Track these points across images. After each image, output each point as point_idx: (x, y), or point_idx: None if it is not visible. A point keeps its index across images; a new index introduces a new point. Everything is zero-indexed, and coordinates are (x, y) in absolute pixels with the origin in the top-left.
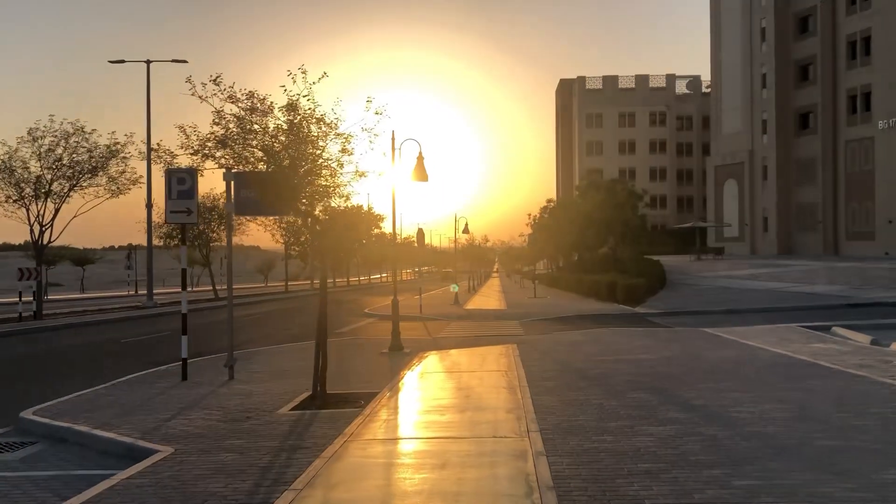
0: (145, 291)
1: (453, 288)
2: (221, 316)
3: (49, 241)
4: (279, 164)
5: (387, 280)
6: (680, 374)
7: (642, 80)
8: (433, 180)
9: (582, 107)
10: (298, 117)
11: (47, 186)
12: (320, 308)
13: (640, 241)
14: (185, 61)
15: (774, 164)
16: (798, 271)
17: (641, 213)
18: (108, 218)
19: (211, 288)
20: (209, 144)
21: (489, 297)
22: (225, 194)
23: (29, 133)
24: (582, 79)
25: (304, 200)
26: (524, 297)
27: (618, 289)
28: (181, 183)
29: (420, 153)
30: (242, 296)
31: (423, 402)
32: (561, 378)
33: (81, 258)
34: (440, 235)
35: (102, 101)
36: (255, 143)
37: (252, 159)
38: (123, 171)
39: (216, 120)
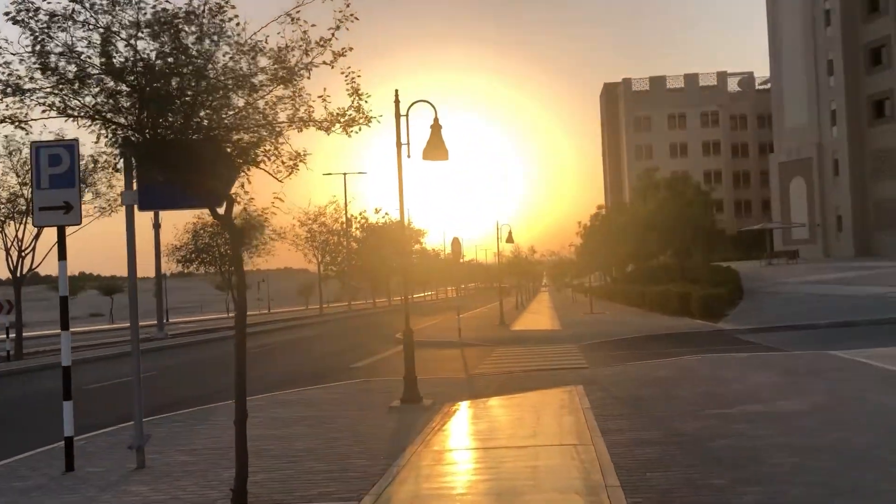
0: (175, 320)
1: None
2: (248, 344)
3: (30, 269)
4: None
5: (433, 299)
6: (873, 446)
7: (691, 79)
8: (475, 194)
9: (629, 110)
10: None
11: (27, 205)
12: (237, 364)
13: (713, 245)
14: None
15: (847, 158)
16: (894, 273)
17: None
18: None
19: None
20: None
21: (539, 315)
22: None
23: (5, 147)
24: (628, 81)
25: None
26: (579, 313)
27: (692, 301)
28: (55, 163)
29: (436, 121)
30: (266, 322)
31: None
32: (674, 462)
33: (110, 287)
34: (485, 250)
35: None
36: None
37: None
38: (112, 186)
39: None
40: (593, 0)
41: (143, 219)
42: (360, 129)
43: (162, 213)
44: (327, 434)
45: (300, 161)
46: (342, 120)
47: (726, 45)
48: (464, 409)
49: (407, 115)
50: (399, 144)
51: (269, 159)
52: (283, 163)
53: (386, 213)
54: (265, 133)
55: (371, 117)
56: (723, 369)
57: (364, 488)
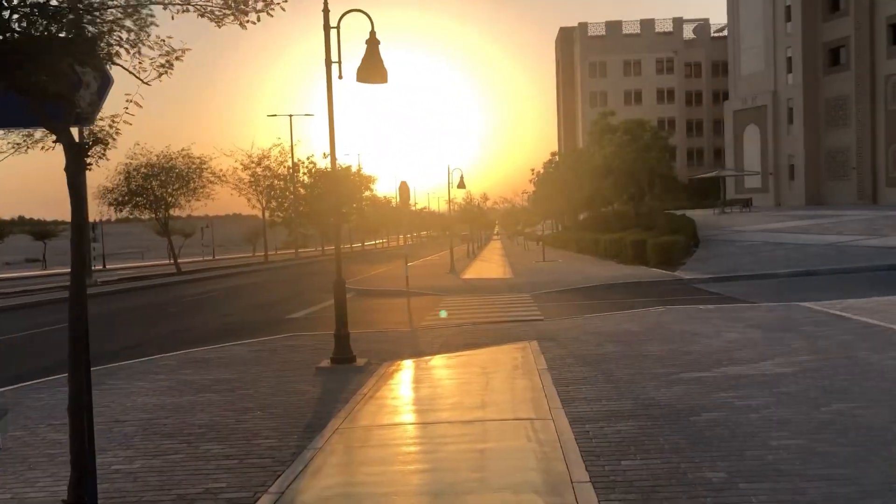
0: (112, 266)
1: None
2: (173, 294)
3: None
4: None
5: (383, 247)
6: (888, 421)
7: (647, 24)
8: (429, 141)
9: (584, 55)
10: None
11: None
12: (71, 328)
13: (669, 193)
14: None
15: (801, 106)
16: (854, 221)
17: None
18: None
19: (175, 261)
20: None
21: (491, 263)
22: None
23: None
24: (584, 25)
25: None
26: (531, 261)
27: (648, 249)
28: None
29: (373, 35)
30: (208, 269)
31: None
32: (654, 445)
33: (42, 231)
34: (438, 198)
35: None
36: None
37: None
38: None
39: None
40: None
41: (61, 154)
42: (259, 19)
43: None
44: (238, 403)
45: (176, 59)
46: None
47: None
48: (403, 371)
49: (338, 28)
50: (329, 62)
51: (129, 51)
52: (149, 60)
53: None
54: (120, 14)
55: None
56: (691, 323)
57: (264, 482)
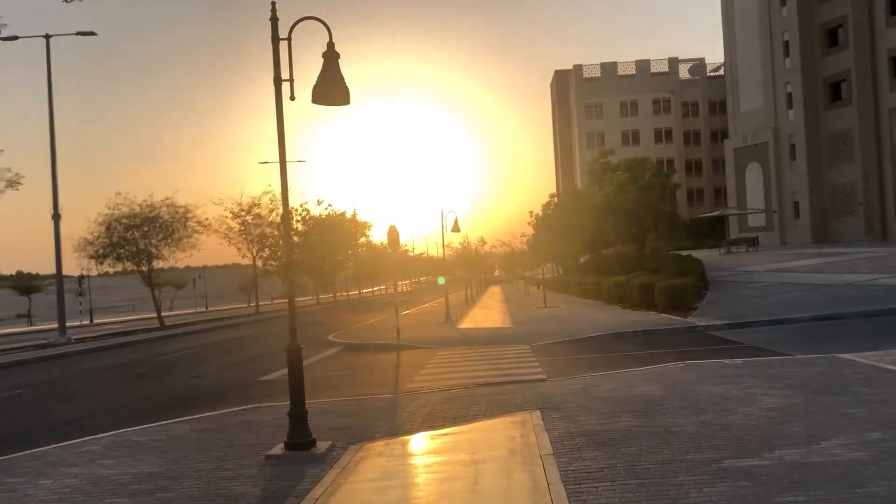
0: (100, 320)
1: (440, 280)
2: (149, 351)
3: None
4: None
5: (381, 294)
6: None
7: (643, 65)
8: (426, 187)
9: (580, 97)
10: None
11: None
12: None
13: (674, 232)
14: (92, 33)
15: (804, 142)
16: (867, 259)
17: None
18: (49, 241)
19: (159, 314)
20: None
21: (490, 310)
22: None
23: None
24: (579, 67)
25: None
26: (531, 307)
27: (656, 292)
28: None
29: (331, 47)
30: (196, 322)
31: None
32: None
33: (26, 287)
34: (437, 244)
35: None
36: None
37: None
38: None
39: None
40: None
41: (41, 206)
42: None
43: (63, 202)
44: None
45: None
46: None
47: (678, 31)
48: (371, 460)
49: (289, 40)
50: (278, 80)
51: None
52: None
53: (329, 205)
54: None
55: None
56: (719, 383)
57: None
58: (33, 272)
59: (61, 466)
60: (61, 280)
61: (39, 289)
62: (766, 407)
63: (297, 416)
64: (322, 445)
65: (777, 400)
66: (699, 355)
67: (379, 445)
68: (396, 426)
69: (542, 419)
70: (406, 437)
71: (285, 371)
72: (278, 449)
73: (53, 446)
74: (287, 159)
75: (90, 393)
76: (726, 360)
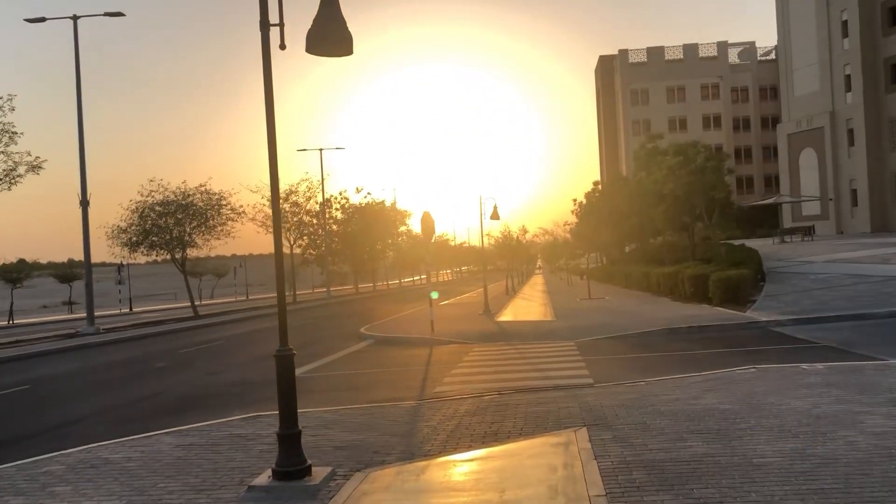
0: (139, 309)
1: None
2: (175, 343)
3: None
4: None
5: (422, 283)
6: None
7: (691, 49)
8: (465, 171)
9: (626, 83)
10: None
11: None
12: None
13: (729, 220)
14: (120, 14)
15: (863, 126)
16: None
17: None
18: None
19: (193, 303)
20: None
21: (531, 302)
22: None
23: None
24: (624, 52)
25: None
26: (575, 298)
27: (710, 284)
28: None
29: None
30: (232, 311)
31: None
32: None
33: (65, 275)
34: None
35: (22, 64)
36: None
37: None
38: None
39: None
40: None
41: (68, 189)
42: None
43: (92, 188)
44: None
45: None
46: None
47: (726, 13)
48: (375, 496)
49: None
50: (265, 24)
51: None
52: None
53: (368, 193)
54: None
55: None
56: (801, 395)
57: None
58: (75, 259)
59: (4, 496)
60: (90, 268)
61: (80, 276)
62: (873, 431)
63: (288, 437)
64: (319, 473)
65: (883, 420)
66: (768, 357)
67: (388, 474)
68: (414, 446)
69: (590, 441)
70: (422, 463)
71: (308, 368)
72: (265, 478)
73: (11, 465)
74: (325, 146)
75: (99, 390)
76: (804, 366)
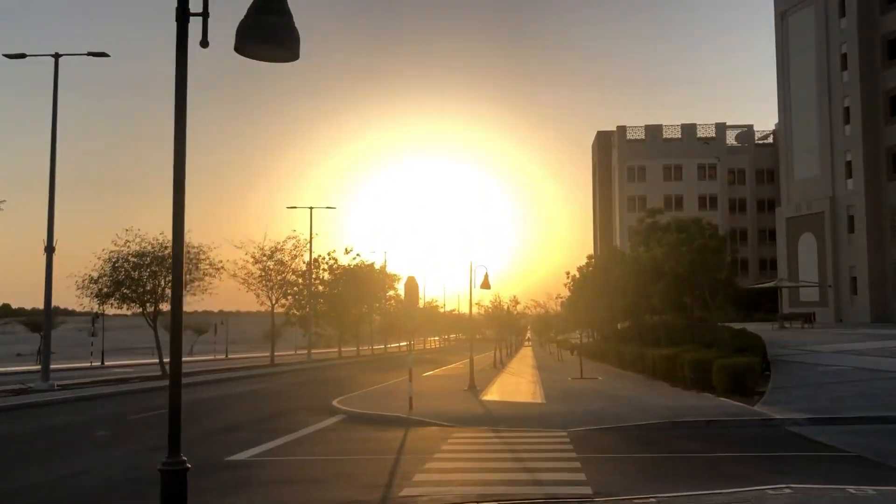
0: (111, 363)
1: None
2: (131, 405)
3: None
4: None
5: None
6: None
7: (689, 129)
8: (458, 241)
9: (622, 159)
10: None
11: None
12: None
13: (729, 301)
14: (104, 54)
15: (863, 213)
16: None
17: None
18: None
19: (161, 361)
20: None
21: (520, 378)
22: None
23: None
24: (622, 129)
25: None
26: (566, 377)
27: (714, 371)
28: None
29: None
30: (206, 371)
31: None
32: None
33: (38, 323)
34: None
35: None
36: None
37: None
38: None
39: None
40: (587, 45)
41: (34, 235)
42: None
43: (58, 234)
44: None
45: None
46: None
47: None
48: None
49: None
50: (184, 14)
51: None
52: None
53: (357, 254)
54: None
55: None
56: None
57: None
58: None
59: None
60: (49, 317)
61: (54, 325)
62: None
63: None
64: None
65: None
66: (794, 467)
67: None
68: None
69: None
70: None
71: (267, 446)
72: None
73: None
74: (315, 205)
75: (13, 464)
76: (851, 489)
